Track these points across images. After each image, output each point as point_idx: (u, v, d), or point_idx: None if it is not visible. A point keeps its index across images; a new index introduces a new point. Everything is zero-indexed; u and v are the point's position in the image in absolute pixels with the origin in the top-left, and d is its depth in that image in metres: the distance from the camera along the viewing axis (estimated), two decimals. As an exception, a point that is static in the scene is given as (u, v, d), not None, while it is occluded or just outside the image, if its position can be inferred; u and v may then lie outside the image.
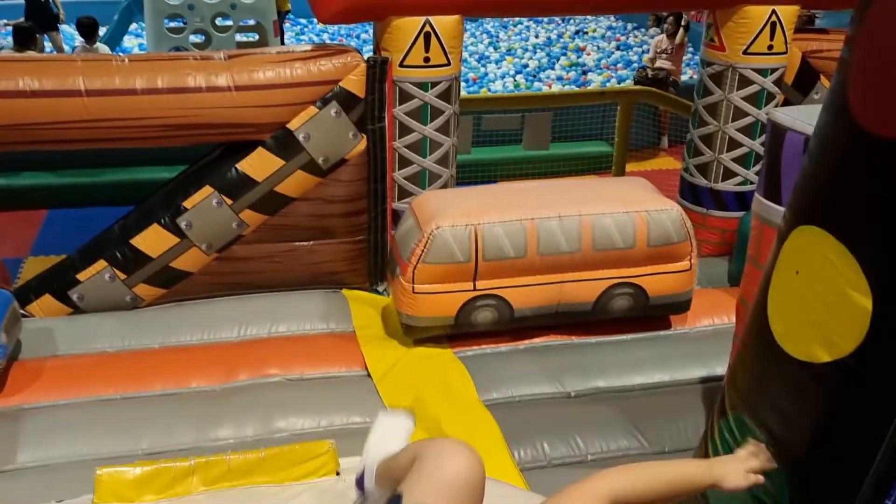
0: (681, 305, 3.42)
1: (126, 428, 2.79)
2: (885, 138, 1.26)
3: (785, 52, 3.95)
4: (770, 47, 3.89)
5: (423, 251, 3.14)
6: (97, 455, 2.63)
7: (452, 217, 3.15)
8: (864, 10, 1.32)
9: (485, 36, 10.41)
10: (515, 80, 8.37)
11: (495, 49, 9.78)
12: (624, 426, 2.84)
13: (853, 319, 1.38)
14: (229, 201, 3.45)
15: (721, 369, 2.94)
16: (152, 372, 3.10)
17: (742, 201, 4.08)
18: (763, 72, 3.94)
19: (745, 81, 3.95)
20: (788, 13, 3.87)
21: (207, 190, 3.44)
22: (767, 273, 1.64)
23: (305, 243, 3.65)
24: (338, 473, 2.22)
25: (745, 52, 3.90)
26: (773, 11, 3.83)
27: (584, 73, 8.67)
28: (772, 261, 1.63)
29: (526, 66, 8.95)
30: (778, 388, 1.59)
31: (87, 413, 2.85)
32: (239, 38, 7.47)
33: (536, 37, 10.34)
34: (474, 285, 3.20)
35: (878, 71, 1.27)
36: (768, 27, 3.85)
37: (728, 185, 4.14)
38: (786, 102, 4.20)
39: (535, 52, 9.53)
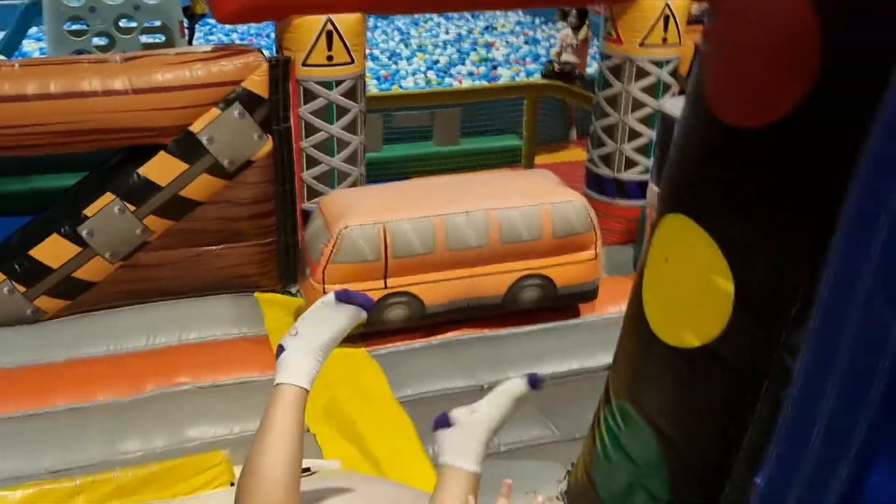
0: (588, 294, 3.52)
1: (28, 446, 2.69)
2: (738, 128, 1.33)
3: (679, 44, 4.10)
4: (664, 40, 4.03)
5: (332, 251, 3.13)
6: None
7: (360, 216, 3.16)
8: (716, 4, 1.39)
9: (396, 33, 10.40)
10: (427, 77, 8.41)
11: (406, 46, 9.79)
12: (535, 416, 2.90)
13: (717, 304, 1.45)
14: (132, 207, 3.37)
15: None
16: (56, 387, 3.01)
17: (644, 190, 4.21)
18: (659, 63, 4.07)
19: (642, 73, 4.08)
20: (681, 6, 4.01)
21: (109, 197, 3.35)
22: (642, 261, 1.71)
23: (214, 247, 3.59)
24: (232, 484, 2.16)
25: (641, 45, 4.03)
26: (667, 5, 3.96)
27: (494, 67, 8.78)
28: (646, 248, 1.69)
29: (437, 62, 8.99)
30: (655, 374, 1.65)
31: (-15, 433, 2.75)
32: (144, 39, 7.26)
33: (447, 33, 10.40)
34: (385, 283, 3.22)
35: (729, 63, 1.34)
36: (662, 20, 3.98)
37: (630, 175, 4.27)
38: (683, 93, 4.35)
39: (445, 49, 9.58)
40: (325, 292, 3.16)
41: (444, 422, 1.74)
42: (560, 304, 3.51)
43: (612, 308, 3.63)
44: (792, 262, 1.35)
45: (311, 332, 1.89)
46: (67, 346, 3.29)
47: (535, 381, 1.78)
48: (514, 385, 1.74)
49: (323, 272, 3.15)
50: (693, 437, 1.60)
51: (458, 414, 1.76)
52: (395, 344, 3.34)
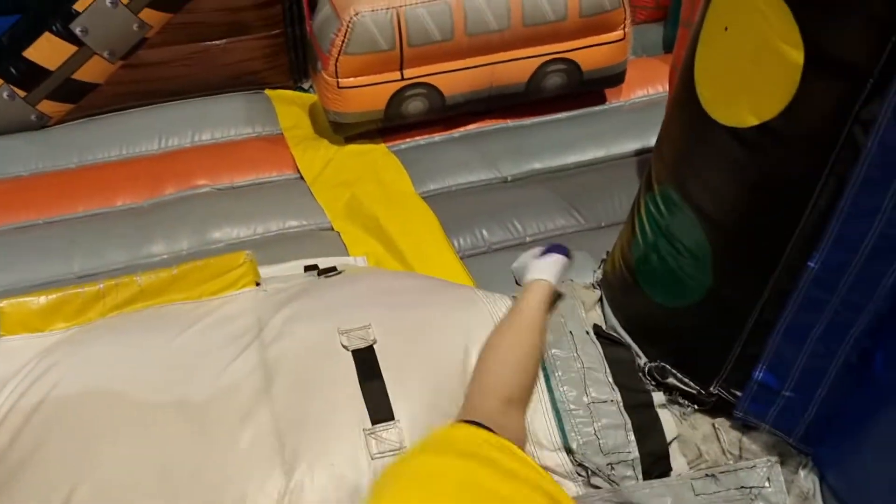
0: (615, 78, 3.33)
1: (55, 252, 2.68)
2: None
3: None
4: None
5: (343, 41, 2.94)
6: (31, 281, 2.55)
7: (371, 1, 2.93)
8: None
9: None
10: None
11: None
12: (560, 205, 2.85)
13: (783, 76, 1.31)
14: (125, 0, 3.13)
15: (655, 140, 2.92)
16: (73, 193, 2.96)
17: (678, -40, 3.86)
18: None
19: None
20: None
21: (98, -11, 3.11)
22: (695, 33, 1.55)
23: (218, 42, 3.38)
24: (258, 284, 2.14)
25: None
26: None
27: None
28: (700, 18, 1.52)
29: None
30: (704, 158, 1.55)
31: (10, 241, 2.74)
32: None
33: None
34: (402, 74, 3.05)
35: None
36: None
37: (663, -56, 3.90)
38: None
39: None
40: (339, 86, 3.01)
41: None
42: (586, 89, 3.33)
43: (639, 91, 3.46)
44: (877, 24, 1.19)
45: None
46: (80, 151, 3.21)
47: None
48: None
49: (335, 65, 2.97)
50: (744, 221, 1.53)
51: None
52: (415, 138, 3.22)
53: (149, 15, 3.20)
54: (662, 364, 1.85)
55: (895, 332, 1.44)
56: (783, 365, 1.62)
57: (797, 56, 1.28)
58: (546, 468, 1.68)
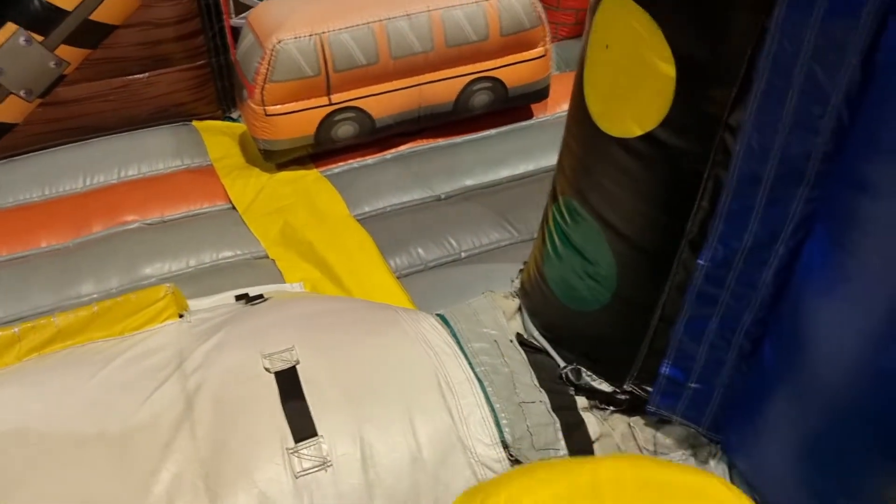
0: (540, 93, 3.40)
1: (-23, 299, 2.60)
2: None
3: None
4: None
5: (268, 69, 2.93)
6: (-48, 331, 2.46)
7: (294, 28, 2.93)
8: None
9: None
10: None
11: None
12: (494, 220, 2.88)
13: (659, 89, 1.39)
14: (40, 38, 3.06)
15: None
16: (-5, 237, 2.88)
17: (594, -23, 3.97)
18: None
19: None
20: None
21: (11, 28, 3.02)
22: (582, 52, 1.62)
23: (140, 76, 3.34)
24: (181, 315, 2.10)
25: None
26: None
27: None
28: (585, 37, 1.59)
29: None
30: (600, 168, 1.62)
31: (-71, 290, 2.64)
32: None
33: None
34: (329, 99, 3.05)
35: None
36: None
37: (579, -38, 4.00)
38: None
39: None
40: (266, 114, 3.00)
41: None
42: (512, 105, 3.39)
43: (564, 106, 3.46)
44: (734, 39, 1.28)
45: None
46: (1, 194, 3.11)
47: None
48: None
49: (261, 93, 2.96)
50: (639, 226, 1.61)
51: None
52: (348, 162, 3.23)
53: (66, 52, 3.14)
54: (577, 366, 1.90)
55: (778, 319, 1.53)
56: (687, 358, 1.69)
57: (669, 70, 1.36)
58: (485, 465, 1.71)
